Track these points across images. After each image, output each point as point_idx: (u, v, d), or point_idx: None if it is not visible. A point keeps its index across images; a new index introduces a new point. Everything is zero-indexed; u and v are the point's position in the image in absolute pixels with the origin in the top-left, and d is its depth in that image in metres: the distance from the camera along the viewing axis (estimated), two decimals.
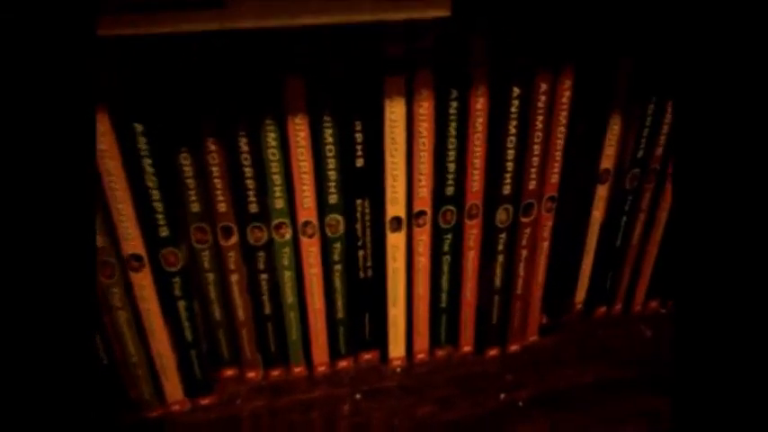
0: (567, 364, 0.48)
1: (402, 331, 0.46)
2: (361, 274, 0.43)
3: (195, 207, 0.38)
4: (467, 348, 0.48)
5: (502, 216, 0.42)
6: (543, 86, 0.37)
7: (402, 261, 0.43)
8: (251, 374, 0.46)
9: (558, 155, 0.41)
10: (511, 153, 0.39)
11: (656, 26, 0.39)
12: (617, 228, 0.48)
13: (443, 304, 0.46)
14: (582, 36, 0.38)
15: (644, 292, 0.52)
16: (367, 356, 0.47)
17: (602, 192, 0.47)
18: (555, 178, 0.42)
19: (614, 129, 0.44)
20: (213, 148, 0.36)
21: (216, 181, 0.37)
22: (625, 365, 0.48)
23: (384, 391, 0.46)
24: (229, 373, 0.46)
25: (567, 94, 0.38)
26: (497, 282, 0.45)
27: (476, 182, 0.40)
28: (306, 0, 0.30)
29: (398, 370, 0.47)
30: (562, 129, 0.40)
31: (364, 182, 0.39)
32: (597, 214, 0.48)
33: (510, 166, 0.40)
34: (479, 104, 0.38)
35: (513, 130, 0.38)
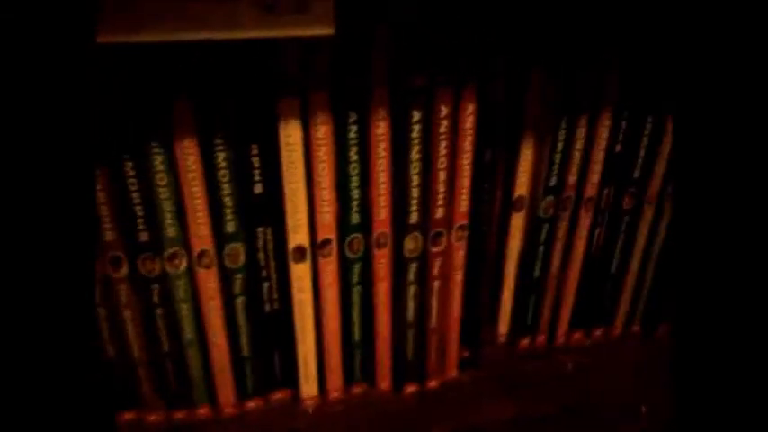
0: (488, 400, 0.47)
1: (313, 368, 0.44)
2: (267, 308, 0.41)
3: None
4: (384, 385, 0.46)
5: (410, 245, 0.40)
6: (444, 110, 0.36)
7: (309, 293, 0.41)
8: (152, 417, 0.43)
9: (466, 182, 0.40)
10: (416, 179, 0.38)
11: (575, 33, 0.39)
12: (534, 257, 0.47)
13: (356, 338, 0.44)
14: (487, 50, 0.37)
15: (567, 323, 0.51)
16: (278, 396, 0.45)
17: (517, 220, 0.46)
18: (464, 206, 0.40)
19: (526, 154, 0.43)
20: (96, 172, 0.34)
21: (100, 207, 0.35)
22: (545, 399, 0.46)
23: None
24: (128, 416, 0.43)
25: (471, 119, 0.38)
26: (410, 315, 0.43)
27: (383, 209, 0.39)
28: (184, 15, 0.28)
29: (311, 410, 0.45)
30: (468, 155, 0.39)
31: (264, 209, 0.38)
32: (514, 243, 0.47)
33: (415, 192, 0.38)
34: (380, 129, 0.36)
35: (416, 156, 0.37)
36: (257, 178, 0.37)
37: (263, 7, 0.29)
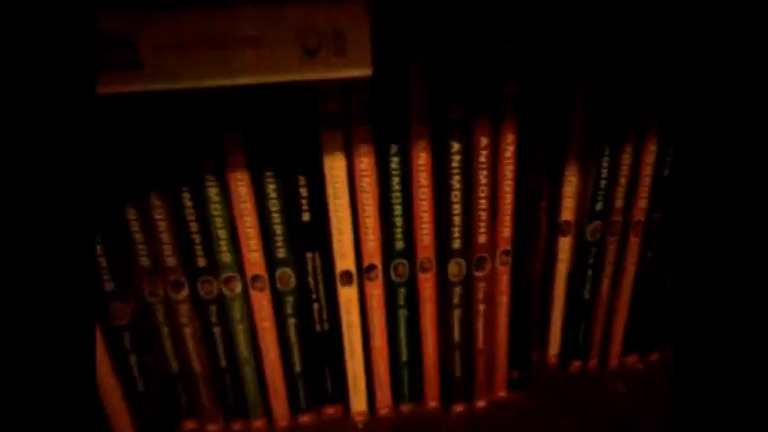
0: (535, 421, 0.47)
1: (362, 385, 0.45)
2: (318, 328, 0.43)
3: (145, 261, 0.39)
4: (432, 404, 0.47)
5: (454, 270, 0.41)
6: (484, 141, 0.37)
7: (356, 315, 0.42)
8: (211, 428, 0.46)
9: (508, 208, 0.40)
10: (457, 208, 0.39)
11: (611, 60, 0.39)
12: (583, 280, 0.47)
13: (404, 358, 0.45)
14: (525, 80, 0.38)
15: (619, 346, 0.50)
16: (330, 411, 0.47)
17: (564, 244, 0.46)
18: (507, 232, 0.41)
19: (571, 180, 0.43)
20: (158, 203, 0.37)
21: (162, 235, 0.38)
22: (596, 423, 0.46)
23: None
24: (190, 425, 0.46)
25: (511, 148, 0.38)
26: (456, 336, 0.44)
27: (426, 236, 0.40)
28: (226, 60, 0.31)
29: (361, 426, 0.47)
30: (509, 183, 0.39)
31: (312, 236, 0.40)
32: (562, 267, 0.47)
33: (457, 220, 0.40)
34: (421, 159, 0.38)
35: (456, 185, 0.38)
36: (305, 207, 0.39)
37: (304, 51, 0.31)
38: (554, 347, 0.51)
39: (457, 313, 0.43)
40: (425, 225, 0.40)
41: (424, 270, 0.42)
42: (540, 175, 0.42)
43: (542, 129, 0.41)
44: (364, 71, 0.31)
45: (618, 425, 0.46)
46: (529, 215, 0.42)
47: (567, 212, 0.45)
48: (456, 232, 0.40)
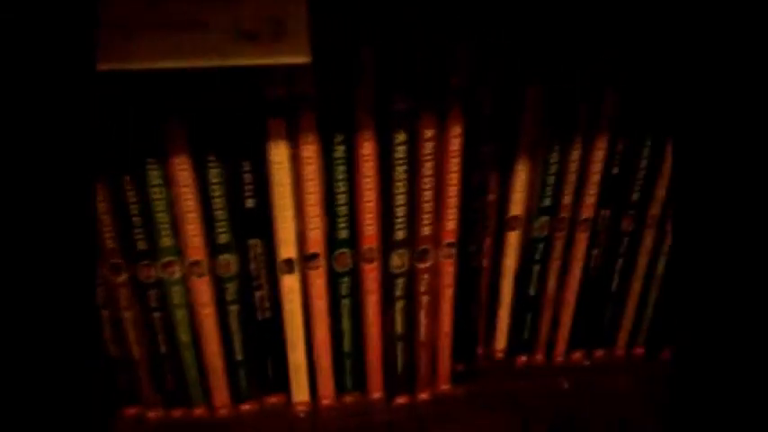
0: (478, 414, 0.47)
1: (304, 375, 0.45)
2: (260, 316, 0.43)
3: None
4: (375, 395, 0.47)
5: (397, 261, 0.41)
6: (429, 133, 0.37)
7: (298, 303, 0.42)
8: (152, 414, 0.45)
9: (454, 201, 0.40)
10: (401, 199, 0.39)
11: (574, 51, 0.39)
12: (530, 276, 0.47)
13: (347, 349, 0.45)
14: (475, 73, 0.38)
15: (565, 343, 0.51)
16: (272, 400, 0.47)
17: (512, 239, 0.46)
18: (452, 225, 0.41)
19: (520, 175, 0.43)
20: (98, 185, 0.36)
21: (102, 217, 0.37)
22: (536, 417, 0.47)
23: None
24: (130, 412, 0.46)
25: (458, 141, 0.38)
26: (399, 328, 0.44)
27: (370, 226, 0.40)
28: (165, 43, 0.30)
29: (303, 415, 0.46)
30: (454, 176, 0.39)
31: (255, 222, 0.39)
32: (510, 262, 0.47)
33: (401, 211, 0.39)
34: (366, 149, 0.38)
35: (401, 176, 0.38)
36: (249, 193, 0.38)
37: (242, 37, 0.31)
38: (501, 342, 0.51)
39: (400, 305, 0.43)
40: (369, 215, 0.40)
41: (368, 260, 0.41)
42: (488, 170, 0.42)
43: (492, 123, 0.41)
44: (303, 58, 0.31)
45: (559, 420, 0.46)
46: (475, 209, 0.42)
47: (516, 207, 0.45)
48: (399, 223, 0.40)
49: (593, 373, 0.51)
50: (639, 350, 0.53)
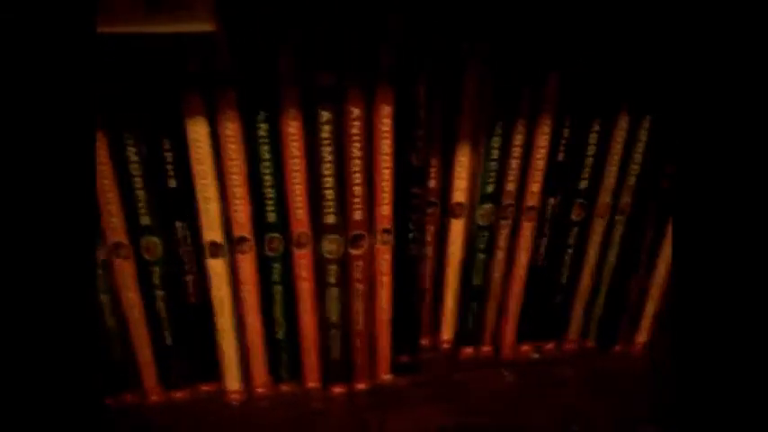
0: (418, 406, 0.46)
1: (235, 363, 0.44)
2: (190, 301, 0.41)
3: None
4: (312, 384, 0.46)
5: (328, 246, 0.40)
6: (356, 111, 0.35)
7: (226, 289, 0.40)
8: None
9: (387, 185, 0.39)
10: (329, 181, 0.37)
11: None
12: (474, 265, 0.45)
13: (280, 336, 0.43)
14: (410, 49, 0.36)
15: (513, 335, 0.49)
16: (205, 388, 0.45)
17: (457, 226, 0.45)
18: (386, 210, 0.39)
19: (462, 160, 0.42)
20: None
21: None
22: (477, 411, 0.45)
23: (218, 425, 0.43)
24: None
25: (387, 122, 0.36)
26: (334, 316, 0.42)
27: (299, 209, 0.39)
28: None
29: (236, 404, 0.45)
30: (387, 158, 0.38)
31: (180, 203, 0.38)
32: (455, 250, 0.46)
33: (329, 194, 0.38)
34: (292, 128, 0.36)
35: (327, 157, 0.36)
36: (171, 173, 0.37)
37: (146, 3, 0.29)
38: (447, 333, 0.49)
39: (334, 292, 0.41)
40: (299, 198, 0.38)
41: (300, 245, 0.40)
42: (428, 154, 0.40)
43: (428, 104, 0.39)
44: (207, 26, 0.29)
45: (495, 415, 0.45)
46: (413, 194, 0.41)
47: (460, 194, 0.43)
48: (329, 207, 0.38)
49: (541, 366, 0.50)
50: (591, 343, 0.51)
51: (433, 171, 0.43)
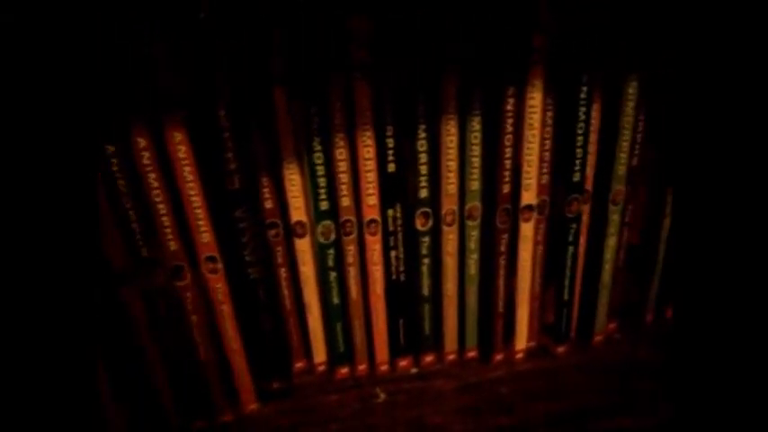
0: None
1: None
2: None
3: None
4: (173, 421, 0.44)
5: (152, 280, 0.39)
6: (142, 142, 0.35)
7: None
8: None
9: (201, 213, 0.38)
10: (132, 214, 0.36)
11: None
12: (327, 284, 0.44)
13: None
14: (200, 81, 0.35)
15: (386, 351, 0.48)
16: None
17: (303, 246, 0.43)
18: (207, 237, 0.38)
19: (292, 178, 0.41)
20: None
21: None
22: (345, 429, 0.44)
23: None
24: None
25: (184, 148, 0.36)
26: (176, 352, 0.41)
27: (115, 246, 0.38)
28: None
29: None
30: (192, 185, 0.37)
31: None
32: (307, 270, 0.44)
33: (137, 227, 0.37)
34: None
35: (124, 191, 0.36)
36: None
37: None
38: (320, 355, 0.48)
39: (169, 327, 0.40)
40: (113, 234, 0.37)
41: (126, 282, 0.39)
42: (245, 176, 0.39)
43: (235, 126, 0.38)
44: None
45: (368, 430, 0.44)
46: (236, 218, 0.40)
47: (298, 213, 0.42)
48: (140, 241, 0.37)
49: (418, 381, 0.48)
50: (472, 354, 0.50)
51: (266, 191, 0.42)
